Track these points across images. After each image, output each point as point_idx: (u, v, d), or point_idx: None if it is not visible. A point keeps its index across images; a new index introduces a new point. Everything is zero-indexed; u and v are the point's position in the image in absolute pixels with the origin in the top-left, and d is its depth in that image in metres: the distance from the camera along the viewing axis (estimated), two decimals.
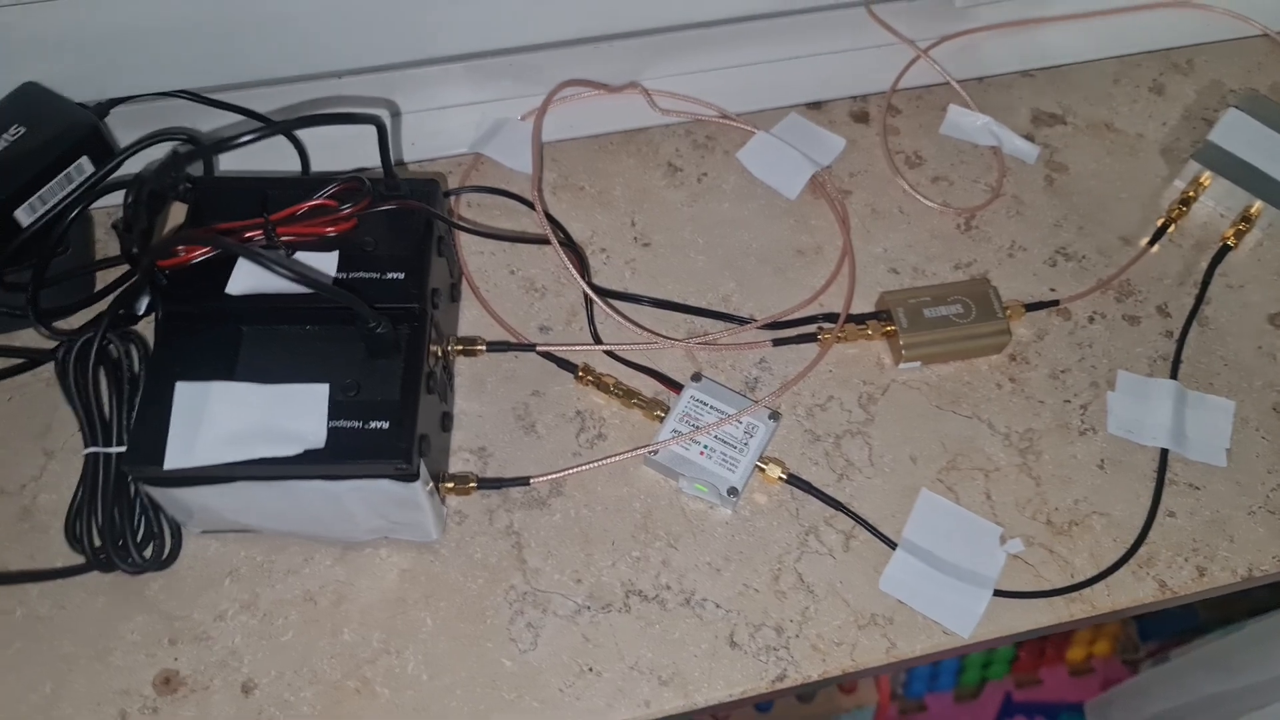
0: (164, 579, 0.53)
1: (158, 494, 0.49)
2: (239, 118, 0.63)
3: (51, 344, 0.54)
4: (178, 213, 0.58)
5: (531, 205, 0.63)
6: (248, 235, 0.49)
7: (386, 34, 0.61)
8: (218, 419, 0.47)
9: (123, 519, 0.51)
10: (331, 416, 0.47)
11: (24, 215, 0.53)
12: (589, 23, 0.64)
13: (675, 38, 0.68)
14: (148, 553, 0.52)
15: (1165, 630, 1.40)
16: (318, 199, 0.51)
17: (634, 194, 0.66)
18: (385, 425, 0.47)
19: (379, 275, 0.51)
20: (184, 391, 0.47)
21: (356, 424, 0.47)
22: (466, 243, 0.64)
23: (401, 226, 0.53)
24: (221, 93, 0.63)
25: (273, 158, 0.63)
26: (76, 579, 0.52)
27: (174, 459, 0.46)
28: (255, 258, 0.43)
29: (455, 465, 0.56)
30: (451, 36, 0.63)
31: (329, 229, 0.51)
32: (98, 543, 0.51)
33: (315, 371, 0.48)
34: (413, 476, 0.47)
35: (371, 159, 0.65)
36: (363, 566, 0.53)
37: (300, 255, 0.51)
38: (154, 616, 0.52)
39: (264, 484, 0.47)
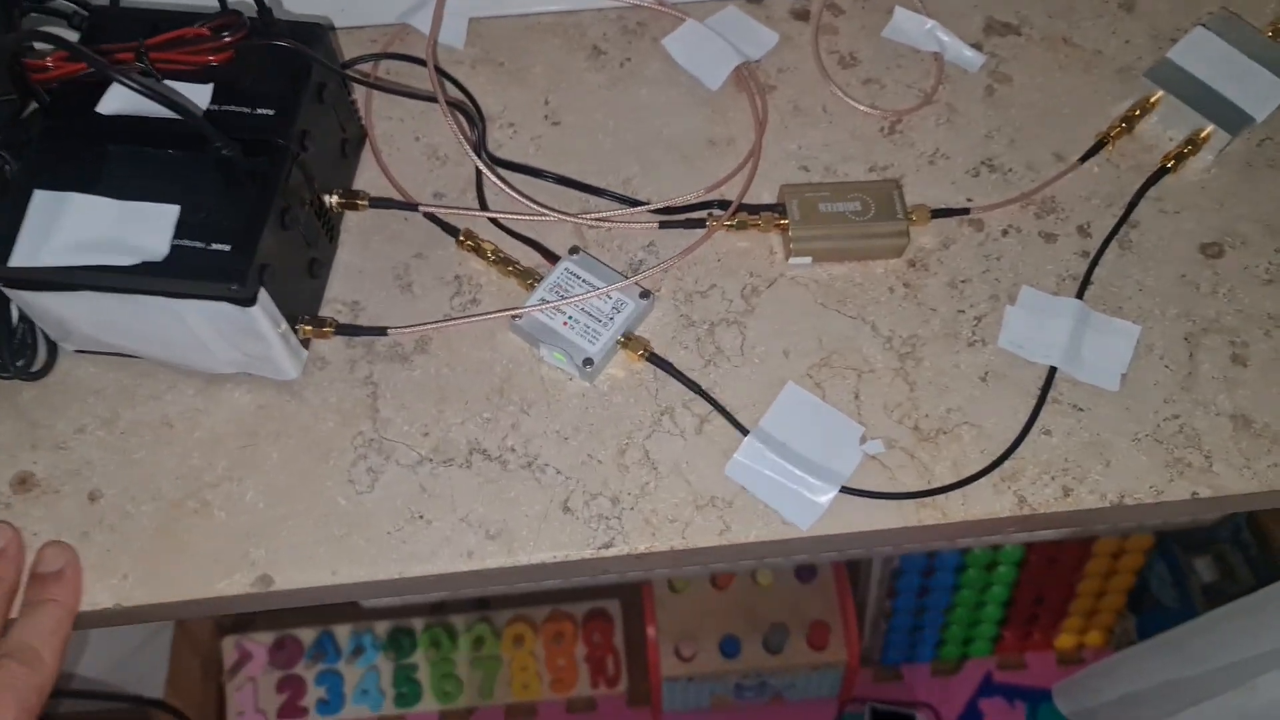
0: (35, 389, 0.55)
1: (16, 298, 0.51)
2: None
3: None
4: None
5: (433, 53, 0.63)
6: (119, 56, 0.50)
7: None
8: (68, 227, 0.48)
9: None
10: (178, 236, 0.48)
11: None
12: None
13: None
14: (20, 362, 0.54)
15: (1165, 627, 1.35)
16: (193, 28, 0.51)
17: (552, 74, 0.65)
18: (226, 248, 0.48)
19: (249, 110, 0.52)
20: (40, 199, 0.49)
21: (200, 244, 0.48)
22: (378, 108, 0.64)
23: (283, 69, 0.53)
24: None
25: None
26: None
27: (18, 258, 0.47)
28: (95, 62, 0.44)
29: (325, 312, 0.57)
30: None
31: (207, 58, 0.52)
32: None
33: (171, 193, 0.49)
34: (248, 301, 0.48)
35: (319, 6, 0.67)
36: (221, 399, 0.55)
37: (176, 83, 0.52)
38: (20, 423, 0.54)
39: (108, 296, 0.49)
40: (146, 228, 0.48)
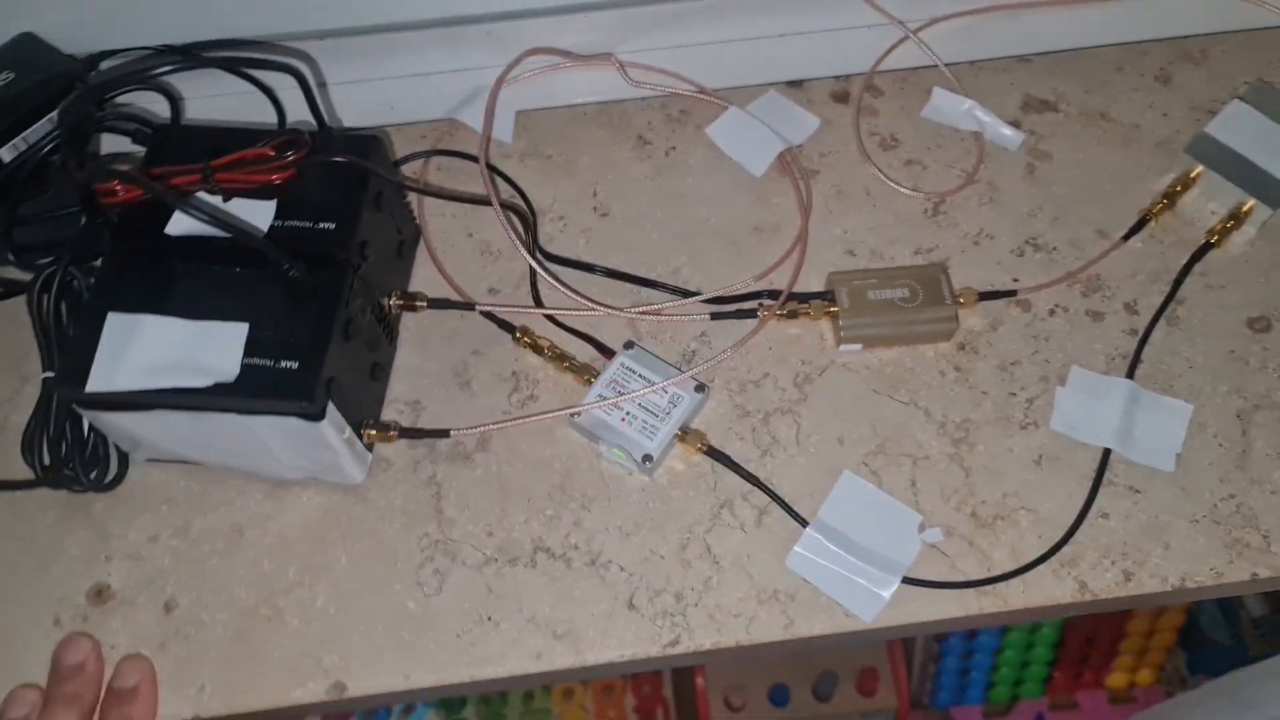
0: (108, 500, 0.56)
1: (92, 418, 0.53)
2: (218, 73, 0.66)
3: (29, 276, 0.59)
4: None
5: (484, 153, 0.64)
6: (184, 179, 0.52)
7: None
8: (142, 349, 0.50)
9: (72, 442, 0.55)
10: (247, 354, 0.49)
11: (6, 154, 0.57)
12: None
13: (655, 10, 0.68)
14: (93, 474, 0.55)
15: (1215, 664, 1.33)
16: (256, 148, 0.53)
17: (599, 164, 0.67)
18: (294, 365, 0.49)
19: (311, 224, 0.53)
20: (114, 321, 0.50)
21: (268, 362, 0.49)
22: (430, 206, 0.65)
23: (342, 181, 0.55)
24: (207, 50, 0.66)
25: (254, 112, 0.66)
26: (30, 493, 0.56)
27: (95, 383, 0.49)
28: (160, 194, 0.45)
29: (388, 415, 0.58)
30: (429, 2, 0.64)
31: (271, 177, 0.54)
32: (47, 461, 0.55)
33: (240, 311, 0.51)
34: (317, 416, 0.49)
35: (360, 119, 0.69)
36: (289, 503, 0.56)
37: (240, 202, 0.54)
38: (95, 533, 0.55)
39: (182, 413, 0.50)
40: (217, 347, 0.50)
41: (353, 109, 0.69)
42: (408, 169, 0.67)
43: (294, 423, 0.50)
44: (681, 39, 0.70)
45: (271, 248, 0.48)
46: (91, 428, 0.55)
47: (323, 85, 0.69)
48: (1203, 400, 0.56)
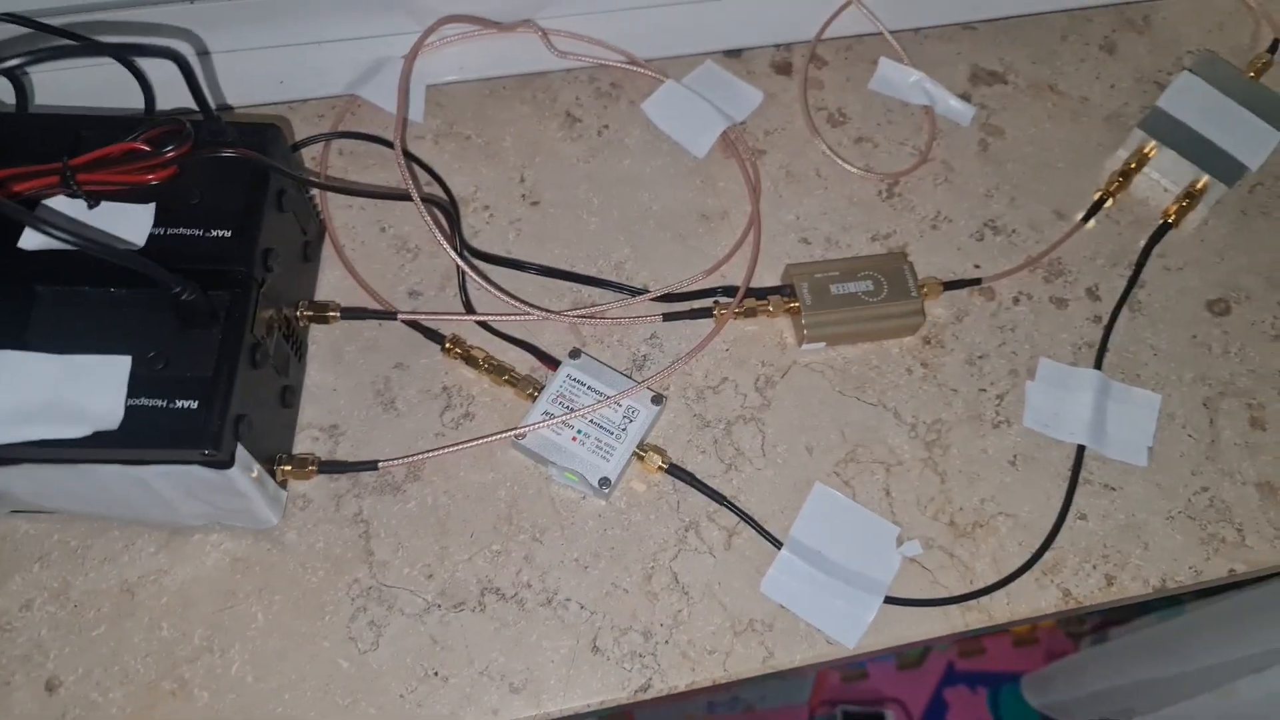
0: None
1: None
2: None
3: None
4: None
5: (401, 140, 0.56)
6: (38, 183, 0.43)
7: None
8: (0, 392, 0.41)
9: None
10: (132, 393, 0.41)
11: None
12: None
13: None
14: None
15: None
16: (129, 141, 0.44)
17: (526, 146, 0.60)
18: (193, 405, 0.41)
19: (201, 232, 0.45)
20: None
21: (160, 403, 0.41)
22: (334, 198, 0.57)
23: (233, 177, 0.46)
24: (55, 17, 0.55)
25: (115, 93, 0.56)
26: None
27: None
28: (22, 216, 0.37)
29: (301, 444, 0.51)
30: None
31: (146, 177, 0.45)
32: None
33: (118, 341, 0.42)
34: (225, 463, 0.42)
35: (247, 95, 0.60)
36: (189, 554, 0.48)
37: (112, 206, 0.45)
38: None
39: (56, 467, 0.42)
40: (94, 386, 0.41)
41: (235, 83, 0.60)
42: (307, 153, 0.59)
43: (197, 471, 0.42)
44: (608, 3, 0.64)
45: (154, 267, 0.40)
46: None
47: (201, 55, 0.60)
48: (1169, 389, 0.55)
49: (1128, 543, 0.51)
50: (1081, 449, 0.53)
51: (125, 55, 0.38)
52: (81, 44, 0.36)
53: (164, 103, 0.56)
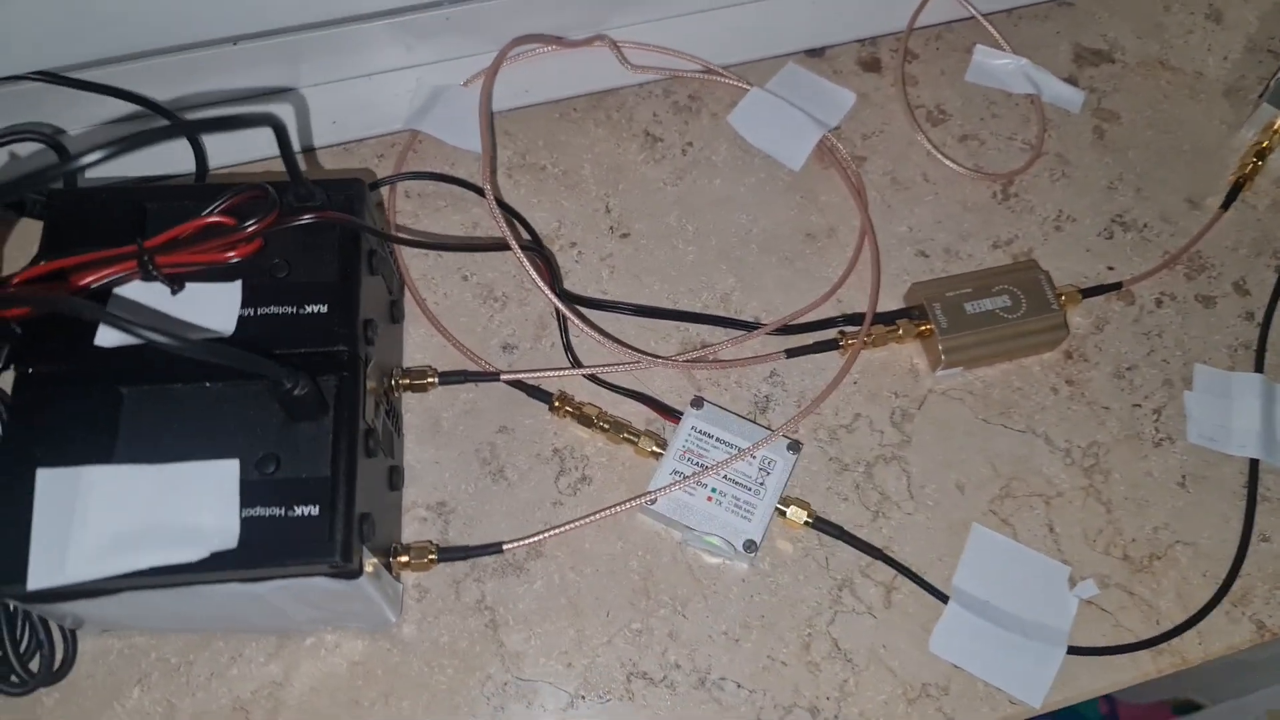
0: (59, 692, 0.43)
1: (37, 609, 0.39)
2: (112, 101, 0.51)
3: None
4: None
5: (481, 193, 0.51)
6: (112, 270, 0.38)
7: None
8: (95, 516, 0.36)
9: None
10: (245, 503, 0.37)
11: None
12: None
13: None
14: (34, 665, 0.42)
15: None
16: (209, 216, 0.39)
17: (606, 172, 0.55)
18: (314, 511, 0.37)
19: (295, 309, 0.40)
20: (47, 481, 0.36)
21: (277, 511, 0.37)
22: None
23: (320, 243, 0.41)
24: (89, 70, 0.50)
25: (160, 153, 0.51)
26: None
27: (40, 577, 0.35)
28: (97, 315, 0.32)
29: (410, 528, 0.46)
30: None
31: (228, 254, 0.40)
32: None
33: (220, 443, 0.37)
34: (354, 573, 0.37)
35: (298, 139, 0.55)
36: (304, 662, 0.44)
37: (194, 287, 0.40)
38: None
39: (163, 591, 0.37)
40: (199, 497, 0.37)
41: (287, 127, 0.55)
42: (371, 198, 0.53)
43: (320, 582, 0.38)
44: (675, 7, 0.59)
45: (264, 363, 0.35)
46: (24, 611, 0.42)
47: (241, 101, 0.55)
48: None
49: None
50: (1255, 463, 0.48)
51: (223, 129, 0.32)
52: (174, 125, 0.31)
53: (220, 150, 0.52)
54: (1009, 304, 0.50)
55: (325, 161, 0.55)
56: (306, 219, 0.41)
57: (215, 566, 0.36)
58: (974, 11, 0.60)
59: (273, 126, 0.35)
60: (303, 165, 0.54)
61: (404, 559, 0.43)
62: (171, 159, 0.52)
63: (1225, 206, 0.55)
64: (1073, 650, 0.44)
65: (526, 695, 0.43)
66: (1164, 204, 0.55)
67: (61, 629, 0.43)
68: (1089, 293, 0.52)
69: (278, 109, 0.55)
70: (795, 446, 0.47)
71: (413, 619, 0.45)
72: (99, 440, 0.37)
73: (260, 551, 0.36)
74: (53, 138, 0.48)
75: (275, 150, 0.51)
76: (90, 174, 0.51)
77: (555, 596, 0.45)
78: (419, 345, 0.50)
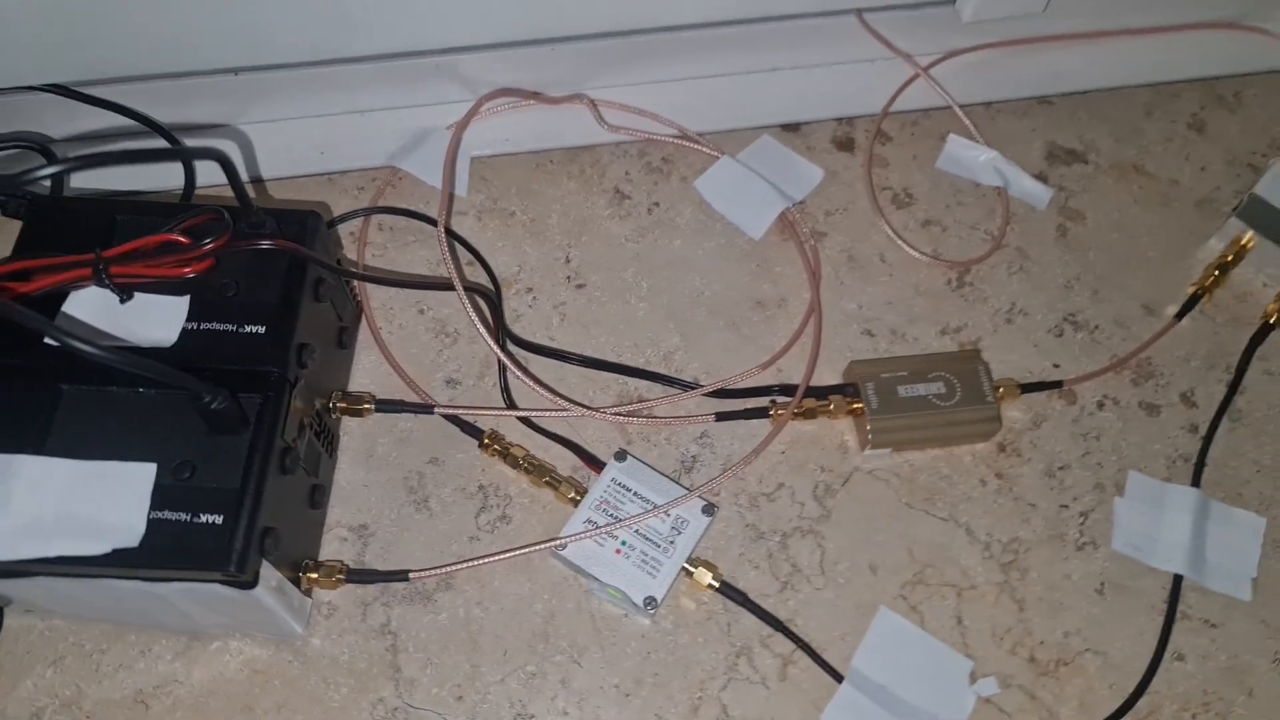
0: None
1: None
2: (115, 117, 0.54)
3: None
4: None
5: (445, 225, 0.54)
6: (68, 276, 0.41)
7: (286, 27, 0.52)
8: (17, 502, 0.38)
9: None
10: (155, 505, 0.39)
11: None
12: (527, 24, 0.55)
13: (631, 41, 0.58)
14: None
15: None
16: (165, 233, 0.42)
17: (572, 224, 0.57)
18: (218, 520, 0.39)
19: (235, 328, 0.43)
20: None
21: (184, 516, 0.39)
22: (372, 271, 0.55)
23: (270, 268, 0.44)
24: (97, 87, 0.54)
25: (154, 171, 0.54)
26: None
27: None
28: (19, 316, 0.34)
29: (329, 547, 0.48)
30: (367, 35, 0.53)
31: (184, 269, 0.42)
32: None
33: (144, 446, 0.40)
34: (249, 584, 0.39)
35: (286, 166, 0.58)
36: (208, 664, 0.45)
37: (146, 298, 0.43)
38: None
39: (73, 580, 0.39)
40: (114, 496, 0.39)
41: (275, 154, 0.58)
42: (345, 228, 0.56)
43: (218, 589, 0.39)
44: (660, 74, 0.61)
45: (183, 377, 0.37)
46: None
47: (242, 125, 0.58)
48: (1275, 510, 0.50)
49: (1230, 688, 0.46)
50: (1178, 579, 0.48)
51: (169, 159, 0.35)
52: (125, 152, 0.34)
53: (210, 170, 0.55)
54: (943, 391, 0.50)
55: (308, 188, 0.57)
56: (264, 244, 0.43)
57: (116, 563, 0.38)
58: (950, 101, 0.61)
59: (218, 161, 0.38)
60: (295, 189, 0.57)
61: (313, 575, 0.45)
62: (165, 177, 0.55)
63: (1180, 316, 0.54)
64: None
65: None
66: (1119, 307, 0.55)
67: None
68: (1029, 388, 0.52)
69: (266, 136, 0.58)
70: (710, 509, 0.48)
71: (318, 634, 0.46)
72: (33, 432, 0.40)
73: (160, 554, 0.38)
74: (45, 146, 0.52)
75: (264, 172, 0.55)
76: (78, 185, 0.55)
77: (458, 630, 0.46)
78: (368, 371, 0.52)
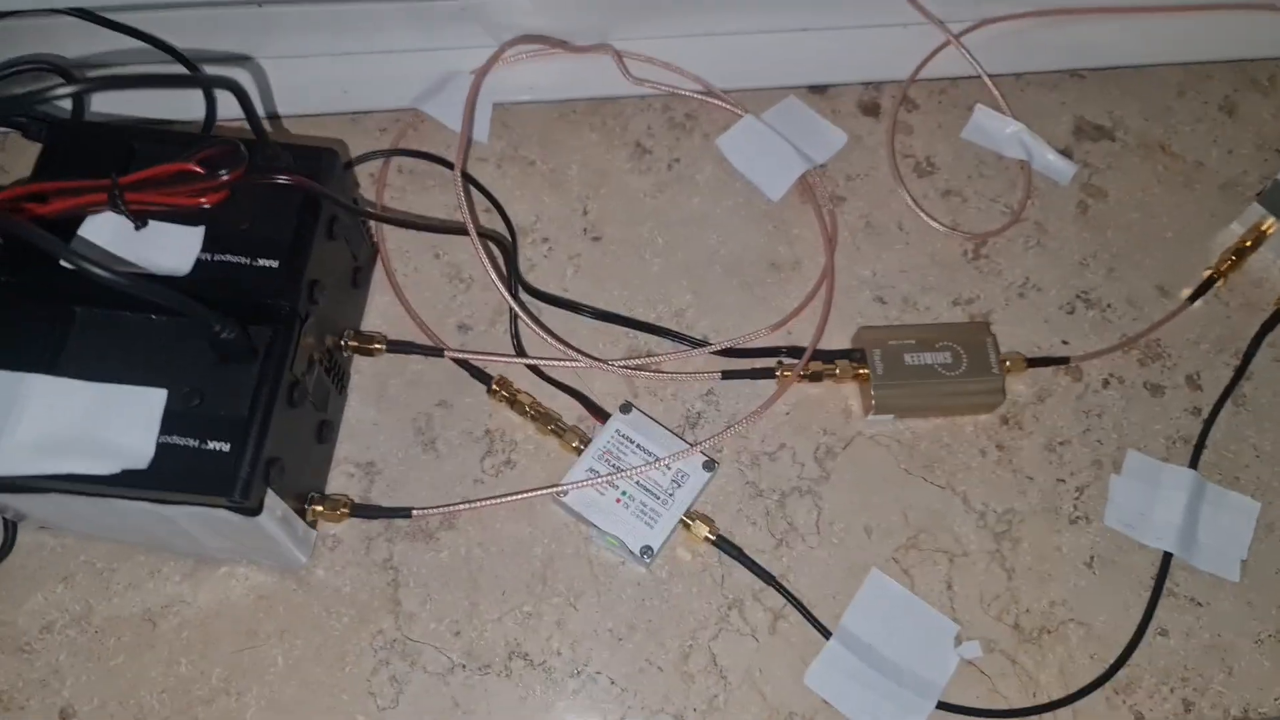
0: None
1: None
2: (136, 44, 0.54)
3: None
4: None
5: (461, 172, 0.54)
6: (85, 199, 0.41)
7: None
8: (29, 419, 0.39)
9: None
10: (164, 430, 0.39)
11: None
12: None
13: None
14: None
15: None
16: (182, 162, 0.42)
17: (591, 175, 0.57)
18: (225, 448, 0.39)
19: (248, 260, 0.43)
20: None
21: (192, 442, 0.39)
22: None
23: (285, 203, 0.44)
24: (122, 13, 0.54)
25: (175, 99, 0.55)
26: None
27: None
28: (24, 233, 0.35)
29: (336, 480, 0.49)
30: None
31: (199, 199, 0.43)
32: None
33: (155, 372, 0.41)
34: (253, 511, 0.40)
35: (310, 104, 0.58)
36: (214, 587, 0.47)
37: (160, 226, 0.43)
38: None
39: (83, 499, 0.40)
40: (125, 418, 0.40)
41: (298, 90, 0.58)
42: (365, 169, 0.56)
43: (223, 514, 0.40)
44: (688, 27, 0.61)
45: (191, 304, 0.38)
46: None
47: (266, 59, 0.58)
48: (1270, 496, 0.50)
49: (1211, 666, 0.47)
50: (1168, 557, 0.48)
51: (184, 86, 0.35)
52: (142, 76, 0.34)
53: (230, 103, 0.55)
54: (949, 361, 0.50)
55: (329, 127, 0.58)
56: (280, 179, 0.43)
57: (125, 484, 0.39)
58: (980, 70, 0.60)
59: (232, 90, 0.38)
60: (318, 127, 0.57)
61: (318, 507, 0.46)
62: (185, 107, 0.55)
63: (1193, 299, 0.54)
64: (943, 706, 0.45)
65: (411, 655, 0.46)
66: (1133, 287, 0.55)
67: (4, 519, 0.47)
68: (1036, 362, 0.52)
69: (289, 72, 0.58)
70: (711, 465, 0.49)
71: (322, 563, 0.47)
72: (46, 353, 0.41)
73: (168, 477, 0.39)
74: (65, 69, 0.52)
75: (288, 108, 0.55)
76: (99, 111, 0.55)
77: (458, 568, 0.47)
78: (381, 313, 0.53)
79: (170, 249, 0.43)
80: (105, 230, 0.43)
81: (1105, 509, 0.50)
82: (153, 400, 0.40)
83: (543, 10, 0.58)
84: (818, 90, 0.60)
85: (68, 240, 0.42)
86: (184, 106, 0.55)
